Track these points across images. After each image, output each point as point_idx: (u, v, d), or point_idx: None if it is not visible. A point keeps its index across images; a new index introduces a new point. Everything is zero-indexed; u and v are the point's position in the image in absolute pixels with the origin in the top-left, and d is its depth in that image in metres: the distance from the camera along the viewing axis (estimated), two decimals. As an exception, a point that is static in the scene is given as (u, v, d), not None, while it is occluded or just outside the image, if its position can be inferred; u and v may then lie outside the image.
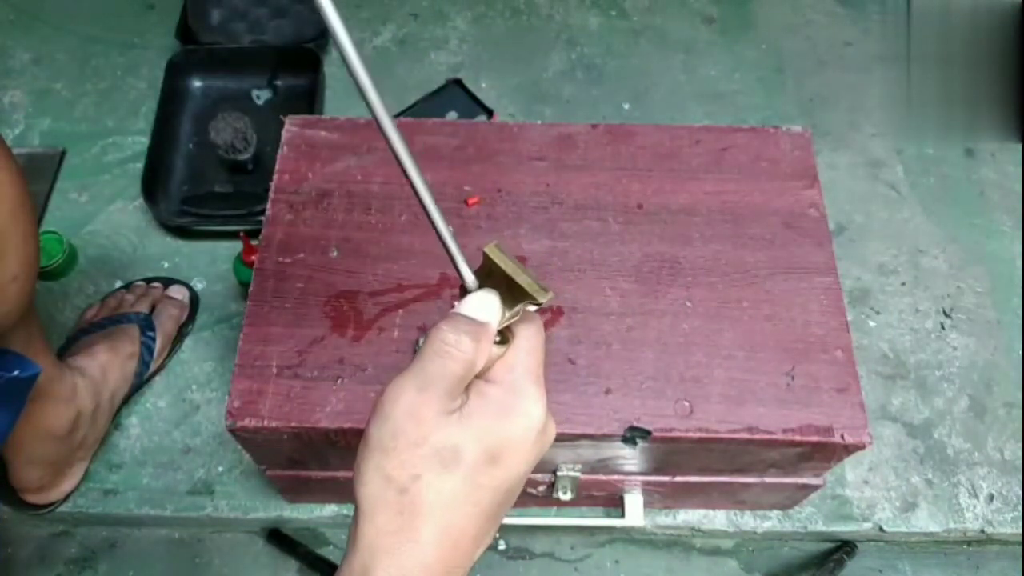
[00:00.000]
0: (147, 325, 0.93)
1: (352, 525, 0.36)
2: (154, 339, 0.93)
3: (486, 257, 0.38)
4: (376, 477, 0.35)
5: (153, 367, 0.94)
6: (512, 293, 0.38)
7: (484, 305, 0.38)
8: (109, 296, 0.98)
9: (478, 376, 0.38)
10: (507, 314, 0.38)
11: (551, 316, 0.68)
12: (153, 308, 0.95)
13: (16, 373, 0.65)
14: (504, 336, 0.39)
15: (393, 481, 0.35)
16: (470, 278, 0.39)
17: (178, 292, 0.99)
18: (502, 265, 0.38)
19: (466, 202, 0.72)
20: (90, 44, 1.26)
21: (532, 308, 0.39)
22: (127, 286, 1.00)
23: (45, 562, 0.92)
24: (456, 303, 0.39)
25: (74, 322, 0.97)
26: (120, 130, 1.16)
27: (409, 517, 0.34)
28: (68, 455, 0.85)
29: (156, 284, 1.00)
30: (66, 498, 0.88)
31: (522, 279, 0.37)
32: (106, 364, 0.88)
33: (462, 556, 0.36)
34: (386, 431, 0.35)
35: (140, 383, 0.93)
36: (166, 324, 0.95)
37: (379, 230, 0.72)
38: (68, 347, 0.92)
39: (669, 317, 0.68)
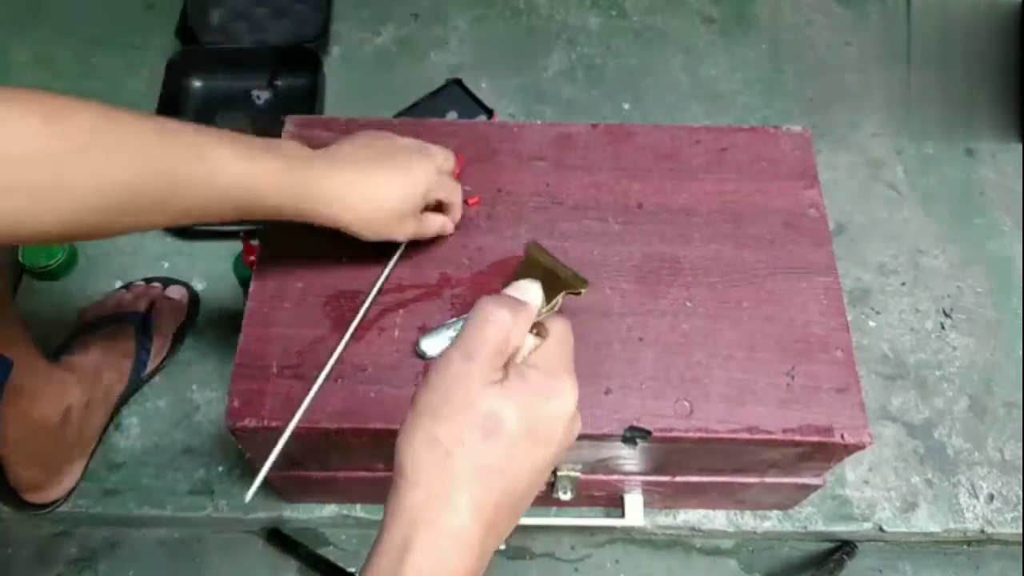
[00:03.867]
0: (144, 324, 0.93)
1: (391, 495, 0.37)
2: (151, 338, 0.92)
3: (528, 252, 0.43)
4: (424, 440, 0.37)
5: (151, 367, 0.94)
6: (552, 285, 0.41)
7: (527, 288, 0.42)
8: (108, 296, 0.98)
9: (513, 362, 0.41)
10: (546, 306, 0.41)
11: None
12: (152, 308, 0.95)
13: None
14: (539, 332, 0.42)
15: (440, 444, 0.36)
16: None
17: (176, 292, 0.99)
18: (542, 259, 0.42)
19: (466, 202, 0.72)
20: (90, 44, 1.26)
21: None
22: (126, 286, 1.00)
23: (45, 562, 0.92)
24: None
25: (74, 322, 0.97)
26: (120, 130, 1.16)
27: (450, 483, 0.36)
28: (64, 451, 0.85)
29: (155, 284, 1.00)
30: (66, 497, 0.88)
31: (562, 271, 0.41)
32: (99, 360, 0.88)
33: (495, 534, 0.38)
34: (436, 396, 0.37)
35: (139, 383, 0.93)
36: (164, 324, 0.95)
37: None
38: (66, 346, 0.92)
39: (669, 317, 0.68)
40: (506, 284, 0.43)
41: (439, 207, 0.68)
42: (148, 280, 1.01)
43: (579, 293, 0.42)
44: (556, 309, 0.42)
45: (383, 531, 0.37)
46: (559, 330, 0.42)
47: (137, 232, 0.55)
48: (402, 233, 0.64)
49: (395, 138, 0.65)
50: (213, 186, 0.53)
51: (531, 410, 0.38)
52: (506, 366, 0.40)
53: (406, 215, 0.63)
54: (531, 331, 0.42)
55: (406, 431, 0.38)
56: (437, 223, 0.67)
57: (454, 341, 0.39)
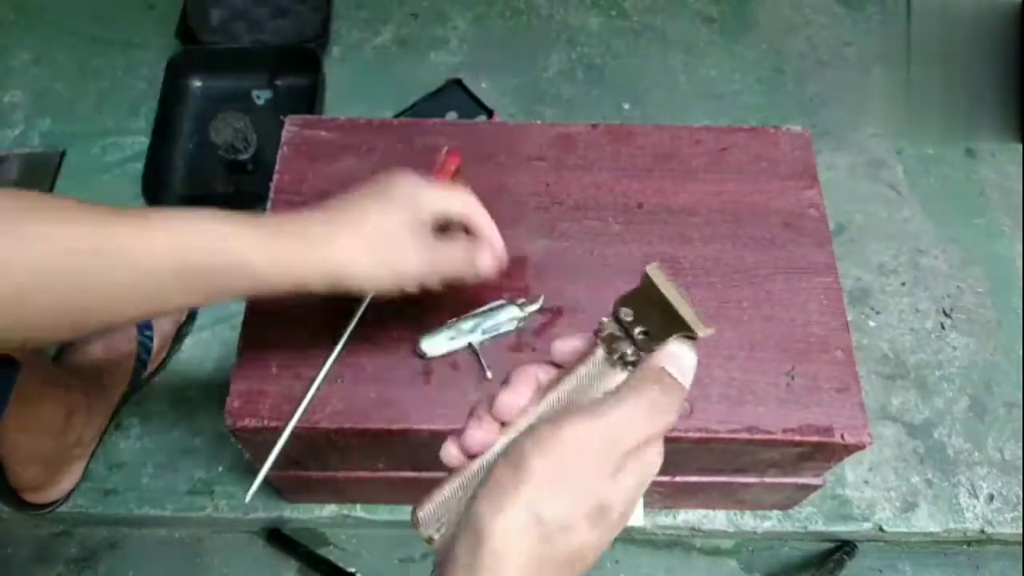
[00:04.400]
0: (145, 325, 0.93)
1: (462, 550, 0.32)
2: (151, 338, 0.92)
3: (645, 279, 0.35)
4: (526, 514, 0.31)
5: (151, 367, 0.94)
6: (665, 321, 0.34)
7: (684, 363, 0.35)
8: None
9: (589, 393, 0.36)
10: (657, 344, 0.35)
11: (551, 316, 0.68)
12: None
13: None
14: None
15: (545, 525, 0.31)
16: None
17: None
18: (663, 291, 0.34)
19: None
20: (90, 44, 1.26)
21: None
22: None
23: (45, 562, 0.92)
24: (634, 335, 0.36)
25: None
26: (120, 130, 1.16)
27: (543, 569, 0.32)
28: (65, 453, 0.85)
29: None
30: (66, 497, 0.88)
31: (684, 310, 0.34)
32: (101, 362, 0.88)
33: None
34: (554, 470, 0.32)
35: (139, 383, 0.93)
36: (164, 324, 0.95)
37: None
38: (67, 347, 0.92)
39: (669, 317, 0.68)
40: (621, 303, 0.36)
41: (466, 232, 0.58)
42: None
43: (695, 338, 0.35)
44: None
45: None
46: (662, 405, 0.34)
47: (79, 333, 0.49)
48: (414, 267, 0.53)
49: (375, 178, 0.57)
50: (177, 257, 0.46)
51: (633, 497, 0.34)
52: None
53: (404, 241, 0.53)
54: (627, 367, 0.36)
55: (504, 496, 0.32)
56: (458, 253, 0.56)
57: (599, 405, 0.33)
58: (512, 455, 0.33)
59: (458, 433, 0.36)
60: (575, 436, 0.32)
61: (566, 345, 0.38)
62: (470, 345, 0.65)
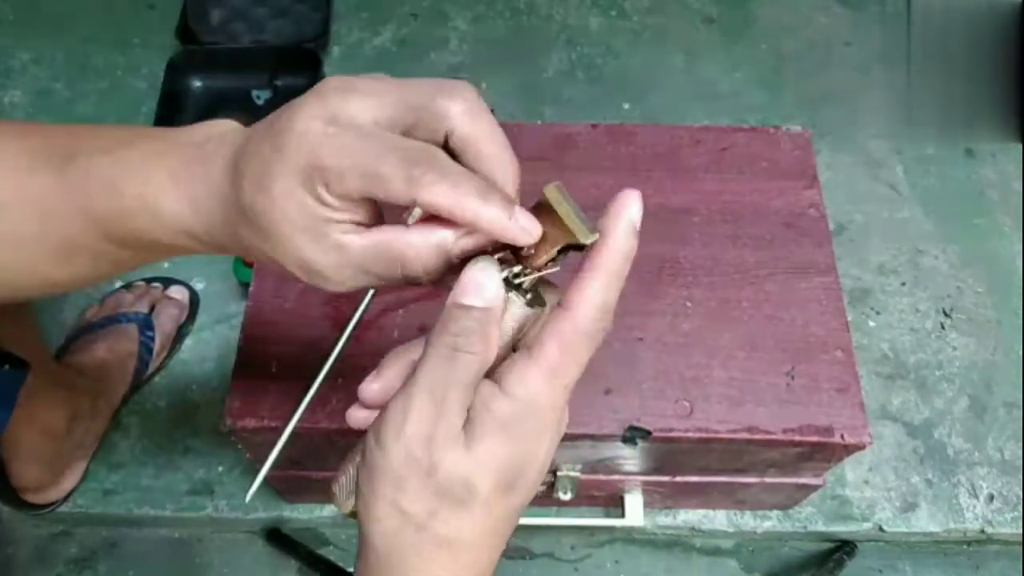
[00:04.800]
0: (146, 324, 0.93)
1: (361, 564, 0.33)
2: (153, 339, 0.93)
3: (543, 197, 0.32)
4: (392, 513, 0.32)
5: (152, 367, 0.94)
6: (556, 235, 0.32)
7: (482, 283, 0.32)
8: (109, 296, 0.98)
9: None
10: (545, 257, 0.32)
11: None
12: (152, 308, 0.95)
13: (7, 367, 0.65)
14: (539, 296, 0.34)
15: (410, 517, 0.32)
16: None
17: (177, 292, 0.99)
18: (556, 205, 0.32)
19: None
20: (90, 44, 1.26)
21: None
22: (127, 286, 1.00)
23: (45, 562, 0.92)
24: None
25: (74, 322, 0.97)
26: (120, 130, 1.16)
27: (428, 559, 0.32)
28: (67, 454, 0.85)
29: (156, 284, 1.00)
30: (66, 497, 0.88)
31: (571, 220, 0.31)
32: (104, 363, 0.88)
33: (488, 570, 0.35)
34: (397, 458, 0.31)
35: (140, 383, 0.93)
36: (165, 324, 0.95)
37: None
38: (68, 347, 0.92)
39: (669, 317, 0.68)
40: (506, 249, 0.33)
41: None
42: (148, 280, 1.01)
43: (583, 247, 0.32)
44: (555, 268, 0.33)
45: None
46: (560, 339, 0.32)
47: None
48: (284, 253, 0.34)
49: None
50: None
51: (505, 464, 0.32)
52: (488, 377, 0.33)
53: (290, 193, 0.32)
54: (525, 292, 0.33)
55: (367, 502, 0.32)
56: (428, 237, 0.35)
57: (416, 379, 0.32)
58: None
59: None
60: (396, 411, 0.32)
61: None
62: None
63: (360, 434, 0.35)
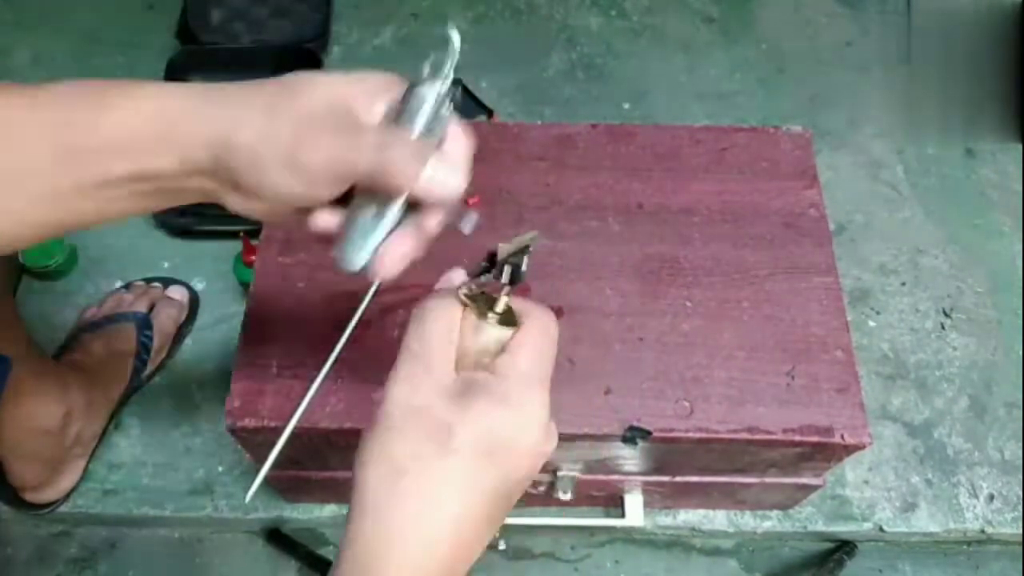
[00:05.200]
0: (145, 324, 0.93)
1: (348, 518, 0.34)
2: (152, 338, 0.92)
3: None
4: (379, 457, 0.34)
5: (151, 366, 0.94)
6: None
7: (448, 277, 0.40)
8: (109, 296, 0.98)
9: (481, 361, 0.36)
10: (504, 244, 0.36)
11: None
12: (152, 307, 0.95)
13: None
14: (509, 319, 0.37)
15: (394, 461, 0.33)
16: None
17: (177, 292, 0.99)
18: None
19: (465, 201, 0.72)
20: (90, 44, 1.26)
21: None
22: (127, 286, 1.00)
23: (45, 562, 0.92)
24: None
25: (74, 322, 0.97)
26: (120, 130, 1.16)
27: (401, 512, 0.33)
28: (64, 452, 0.85)
29: (156, 284, 1.00)
30: (66, 497, 0.88)
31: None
32: (101, 361, 0.88)
33: (460, 553, 0.34)
34: (390, 402, 0.35)
35: (139, 383, 0.93)
36: (165, 324, 0.95)
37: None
38: (67, 346, 0.92)
39: (669, 317, 0.68)
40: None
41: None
42: (148, 280, 1.01)
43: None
44: (507, 295, 0.37)
45: (337, 561, 0.33)
46: (535, 327, 0.37)
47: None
48: (321, 163, 0.38)
49: None
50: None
51: (489, 429, 0.34)
52: (468, 376, 0.36)
53: (322, 125, 0.39)
54: (497, 317, 0.37)
55: (362, 447, 0.34)
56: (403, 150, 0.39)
57: (403, 349, 0.37)
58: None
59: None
60: (393, 369, 0.36)
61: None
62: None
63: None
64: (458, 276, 0.40)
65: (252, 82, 0.43)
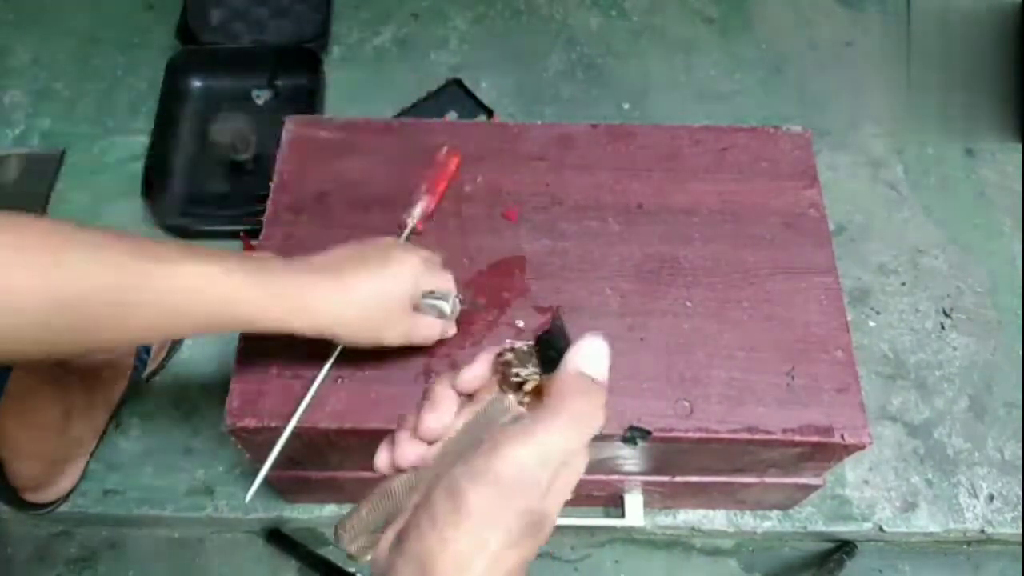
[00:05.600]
0: None
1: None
2: None
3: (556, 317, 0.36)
4: (468, 545, 0.31)
5: (152, 367, 0.94)
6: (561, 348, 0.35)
7: (601, 358, 0.36)
8: None
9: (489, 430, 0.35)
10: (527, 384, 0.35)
11: (551, 316, 0.68)
12: None
13: None
14: (534, 393, 0.35)
15: (488, 550, 0.31)
16: None
17: None
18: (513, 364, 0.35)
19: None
20: (90, 44, 1.26)
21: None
22: None
23: (45, 562, 0.92)
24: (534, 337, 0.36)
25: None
26: (120, 130, 1.16)
27: None
28: (65, 452, 0.85)
29: None
30: (66, 497, 0.88)
31: (516, 376, 0.35)
32: (99, 361, 0.88)
33: None
34: (499, 501, 0.31)
35: (140, 383, 0.93)
36: None
37: (379, 230, 0.72)
38: None
39: (669, 317, 0.68)
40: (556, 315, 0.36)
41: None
42: None
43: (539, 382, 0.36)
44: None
45: None
46: (573, 423, 0.34)
47: (90, 352, 0.50)
48: (393, 336, 0.59)
49: (374, 239, 0.61)
50: (179, 297, 0.49)
51: (563, 500, 0.34)
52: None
53: (393, 313, 0.58)
54: (520, 389, 0.35)
55: (447, 529, 0.31)
56: (436, 328, 0.62)
57: (527, 428, 0.32)
58: (448, 488, 0.32)
59: (391, 439, 0.36)
60: (508, 467, 0.32)
61: (470, 373, 0.37)
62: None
63: (376, 479, 0.36)
64: (603, 366, 0.36)
65: (346, 271, 0.57)
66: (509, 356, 0.36)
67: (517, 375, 0.35)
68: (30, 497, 0.85)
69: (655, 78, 1.25)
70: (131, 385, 0.92)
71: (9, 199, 1.09)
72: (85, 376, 0.86)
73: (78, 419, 0.84)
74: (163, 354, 0.95)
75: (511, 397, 0.35)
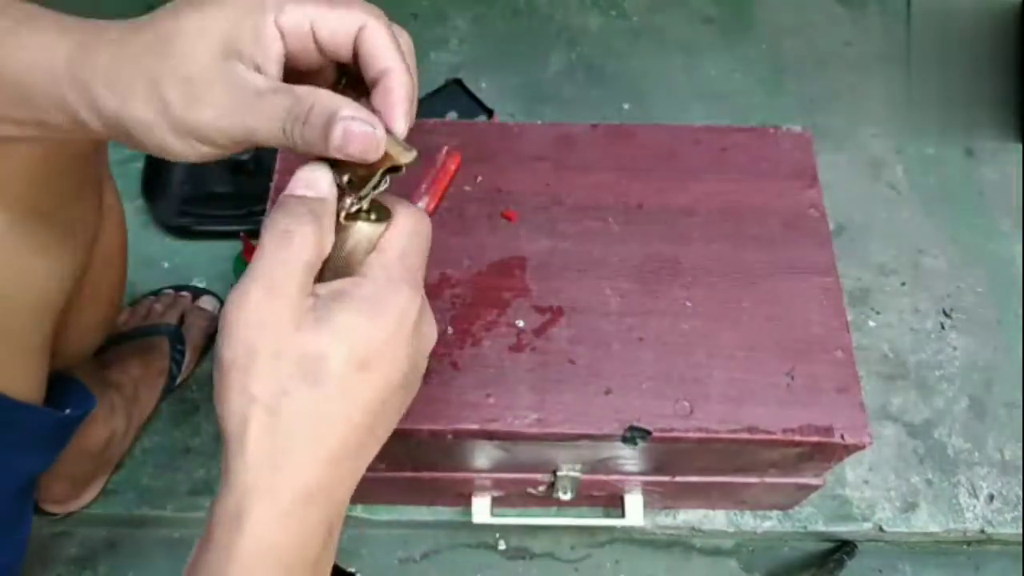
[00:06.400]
0: (177, 338, 0.91)
1: (223, 458, 0.33)
2: (183, 352, 0.91)
3: None
4: (241, 400, 0.32)
5: (180, 380, 0.93)
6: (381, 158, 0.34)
7: (313, 179, 0.34)
8: (138, 303, 0.96)
9: (350, 261, 0.35)
10: (370, 184, 0.34)
11: (551, 316, 0.68)
12: (182, 318, 0.94)
13: (68, 412, 0.63)
14: (380, 213, 0.36)
15: (259, 401, 0.32)
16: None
17: (208, 303, 0.98)
18: None
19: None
20: (90, 44, 1.25)
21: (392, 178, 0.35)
22: (156, 293, 0.98)
23: (45, 562, 0.92)
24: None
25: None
26: (120, 130, 1.16)
27: (283, 438, 0.32)
28: (95, 471, 0.85)
29: (184, 293, 0.98)
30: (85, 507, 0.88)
31: (388, 144, 0.33)
32: (139, 381, 0.87)
33: (344, 475, 0.34)
34: (240, 349, 0.32)
35: (165, 400, 0.93)
36: (195, 336, 0.93)
37: (379, 230, 0.72)
38: (99, 353, 0.90)
39: (669, 317, 0.68)
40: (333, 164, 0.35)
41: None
42: (177, 288, 0.99)
43: (400, 169, 0.34)
44: (385, 188, 0.35)
45: (216, 500, 0.33)
46: (402, 228, 0.35)
47: None
48: (208, 117, 0.32)
49: None
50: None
51: (357, 339, 0.32)
52: (321, 277, 0.34)
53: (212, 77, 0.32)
54: (368, 214, 0.35)
55: (219, 393, 0.32)
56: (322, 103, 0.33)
57: (249, 270, 0.33)
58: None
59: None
60: (237, 301, 0.33)
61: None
62: None
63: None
64: (321, 175, 0.35)
65: (126, 31, 0.34)
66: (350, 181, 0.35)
67: (345, 207, 0.35)
68: (50, 508, 0.85)
69: (655, 78, 1.25)
70: (159, 404, 0.91)
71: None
72: (126, 399, 0.85)
73: (117, 443, 0.84)
74: (191, 367, 0.94)
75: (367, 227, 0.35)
